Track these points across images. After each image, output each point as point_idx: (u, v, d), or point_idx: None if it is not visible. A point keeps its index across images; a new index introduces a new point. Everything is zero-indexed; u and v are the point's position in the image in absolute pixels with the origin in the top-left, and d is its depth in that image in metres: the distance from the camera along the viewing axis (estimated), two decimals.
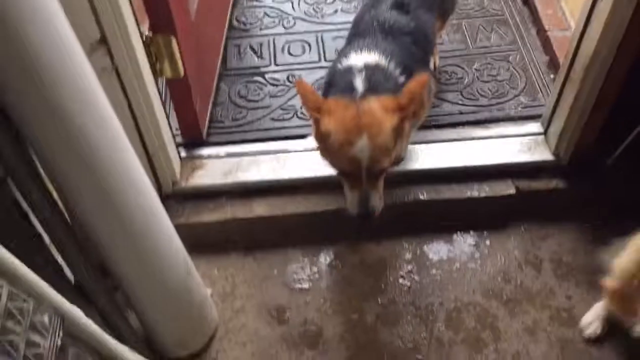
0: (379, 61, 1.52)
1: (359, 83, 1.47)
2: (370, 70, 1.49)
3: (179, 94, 1.79)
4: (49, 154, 1.08)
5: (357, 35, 1.66)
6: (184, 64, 1.69)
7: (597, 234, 1.79)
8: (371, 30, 1.62)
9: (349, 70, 1.52)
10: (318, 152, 1.53)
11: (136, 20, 1.46)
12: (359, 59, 1.53)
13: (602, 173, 1.77)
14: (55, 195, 1.14)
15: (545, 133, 1.88)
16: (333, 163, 1.49)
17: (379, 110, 1.40)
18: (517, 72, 2.15)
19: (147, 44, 1.58)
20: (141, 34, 1.51)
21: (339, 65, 1.57)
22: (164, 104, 1.70)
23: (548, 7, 2.30)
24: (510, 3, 2.42)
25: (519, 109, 2.04)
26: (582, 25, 1.58)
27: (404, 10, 1.67)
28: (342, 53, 1.62)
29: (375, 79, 1.48)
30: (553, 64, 2.13)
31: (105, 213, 1.22)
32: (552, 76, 2.11)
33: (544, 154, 1.84)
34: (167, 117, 1.72)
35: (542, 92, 2.08)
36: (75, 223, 1.20)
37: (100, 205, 1.20)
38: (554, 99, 1.78)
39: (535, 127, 1.92)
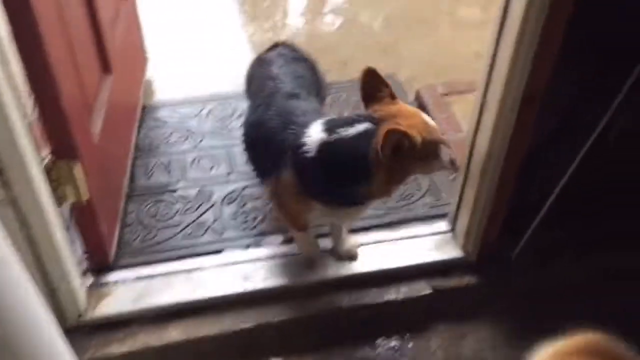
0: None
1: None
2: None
3: (84, 219, 1.72)
4: None
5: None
6: (87, 188, 1.64)
7: (513, 327, 1.83)
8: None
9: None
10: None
11: (35, 146, 1.43)
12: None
13: (508, 267, 1.84)
14: None
15: (453, 230, 1.96)
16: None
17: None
18: (418, 176, 2.25)
19: (48, 169, 1.53)
20: (41, 161, 1.47)
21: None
22: (68, 230, 1.63)
23: (442, 112, 2.46)
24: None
25: (426, 208, 2.12)
26: (472, 130, 1.70)
27: (300, 97, 1.74)
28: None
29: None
30: (452, 164, 2.25)
31: None
32: (453, 176, 2.22)
33: (453, 252, 1.90)
34: (71, 245, 1.64)
35: (444, 191, 2.18)
36: None
37: None
38: (457, 199, 1.87)
39: (443, 225, 1.99)
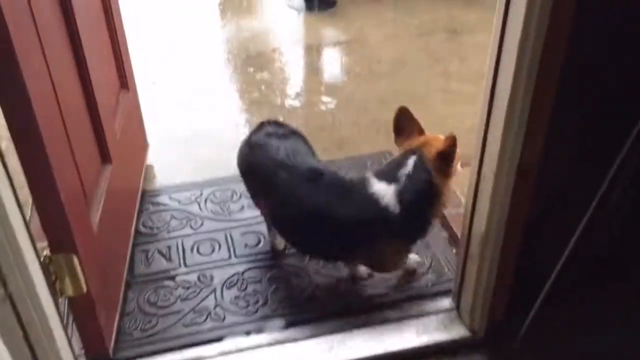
0: None
1: None
2: None
3: (82, 311, 1.70)
4: None
5: None
6: (86, 280, 1.63)
7: None
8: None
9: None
10: None
11: (32, 241, 1.42)
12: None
13: (517, 344, 1.79)
14: None
15: (458, 308, 1.92)
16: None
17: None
18: (422, 250, 2.23)
19: (46, 264, 1.52)
20: (38, 255, 1.46)
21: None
22: (66, 323, 1.60)
23: None
24: None
25: (429, 285, 2.09)
26: (470, 205, 1.70)
27: (322, 172, 1.90)
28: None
29: None
30: (453, 240, 2.24)
31: None
32: (454, 251, 2.21)
33: (460, 330, 1.86)
34: (69, 339, 1.61)
35: (447, 267, 2.16)
36: None
37: None
38: (459, 275, 1.85)
39: (447, 303, 1.96)
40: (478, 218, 1.68)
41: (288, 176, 1.86)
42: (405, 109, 1.85)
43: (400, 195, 1.76)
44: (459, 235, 2.15)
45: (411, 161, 1.78)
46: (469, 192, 1.70)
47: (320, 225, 1.83)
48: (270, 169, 1.89)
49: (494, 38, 1.45)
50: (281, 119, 3.02)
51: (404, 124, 1.86)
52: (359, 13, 4.13)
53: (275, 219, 2.03)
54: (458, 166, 1.85)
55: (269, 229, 2.24)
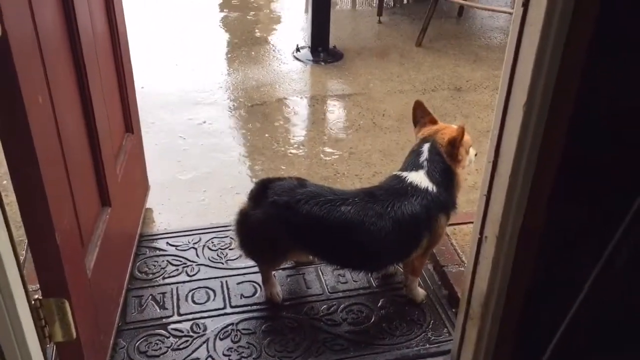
0: None
1: None
2: None
3: (70, 358, 1.65)
4: None
5: None
6: (76, 326, 1.59)
7: None
8: None
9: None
10: None
11: (24, 284, 1.39)
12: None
13: None
14: None
15: None
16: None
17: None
18: (421, 308, 2.19)
19: (37, 307, 1.48)
20: (29, 299, 1.43)
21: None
22: None
23: (440, 244, 2.44)
24: None
25: (427, 345, 2.04)
26: (472, 266, 1.68)
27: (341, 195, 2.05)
28: None
29: None
30: (453, 298, 2.20)
31: None
32: (454, 310, 2.16)
33: None
34: None
35: (447, 326, 2.11)
36: None
37: None
38: (459, 336, 1.80)
39: None
40: (479, 279, 1.65)
41: (349, 207, 1.97)
42: (420, 103, 2.19)
43: (431, 177, 2.03)
44: (459, 294, 2.12)
45: (425, 148, 2.08)
46: (470, 252, 1.68)
47: (392, 235, 1.97)
48: (324, 211, 1.95)
49: (500, 98, 1.45)
50: (283, 168, 3.03)
51: (419, 115, 2.18)
52: (365, 67, 4.19)
53: (336, 251, 2.08)
54: (472, 153, 2.14)
55: (265, 281, 2.21)
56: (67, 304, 1.53)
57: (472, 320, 1.71)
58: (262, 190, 2.04)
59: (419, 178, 2.03)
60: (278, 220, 1.99)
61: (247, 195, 2.10)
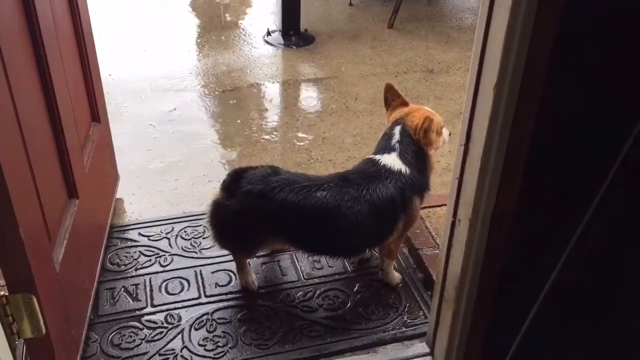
0: None
1: None
2: None
3: (40, 355, 1.61)
4: None
5: None
6: (46, 321, 1.55)
7: None
8: None
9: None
10: None
11: None
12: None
13: None
14: None
15: (431, 353, 1.87)
16: None
17: None
18: (397, 291, 2.20)
19: (3, 304, 1.44)
20: None
21: None
22: None
23: (415, 227, 2.43)
24: None
25: (403, 328, 2.04)
26: (445, 248, 1.67)
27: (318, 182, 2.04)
28: None
29: None
30: (428, 281, 2.20)
31: None
32: (429, 293, 2.17)
33: None
34: None
35: (422, 309, 2.12)
36: None
37: None
38: (434, 319, 1.81)
39: (421, 347, 1.91)
40: (453, 262, 1.65)
41: (325, 192, 1.96)
42: (390, 85, 2.21)
43: (403, 159, 2.04)
44: (434, 277, 2.13)
45: (397, 131, 2.09)
46: (444, 236, 1.68)
47: (368, 219, 1.97)
48: (300, 197, 1.94)
49: (470, 80, 1.44)
50: (256, 155, 3.00)
51: (390, 98, 2.20)
52: (337, 50, 4.16)
53: (313, 238, 2.06)
54: (445, 134, 2.15)
55: (240, 269, 2.19)
56: (34, 300, 1.49)
57: (447, 303, 1.71)
58: (236, 180, 2.01)
59: (392, 160, 2.04)
60: (253, 209, 1.97)
61: (220, 186, 2.07)
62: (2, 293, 1.45)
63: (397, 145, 2.06)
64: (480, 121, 1.42)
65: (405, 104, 2.19)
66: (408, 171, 2.03)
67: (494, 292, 1.65)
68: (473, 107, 1.43)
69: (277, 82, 3.78)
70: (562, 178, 1.50)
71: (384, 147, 2.09)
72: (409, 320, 2.07)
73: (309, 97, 3.67)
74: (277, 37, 4.29)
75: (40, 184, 1.59)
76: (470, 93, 1.44)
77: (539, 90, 1.34)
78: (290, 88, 3.72)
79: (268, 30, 4.35)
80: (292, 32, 4.27)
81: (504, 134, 1.39)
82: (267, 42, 4.25)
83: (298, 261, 2.33)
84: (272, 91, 3.69)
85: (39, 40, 1.66)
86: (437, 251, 2.26)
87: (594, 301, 1.73)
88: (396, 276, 2.23)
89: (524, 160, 1.42)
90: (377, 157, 2.07)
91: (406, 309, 2.13)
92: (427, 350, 1.89)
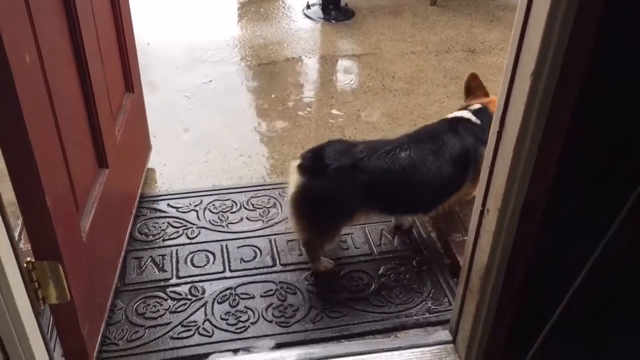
0: None
1: None
2: None
3: (64, 322, 1.64)
4: None
5: None
6: (71, 289, 1.57)
7: None
8: None
9: None
10: None
11: (13, 246, 1.37)
12: None
13: None
14: None
15: (454, 341, 1.84)
16: None
17: None
18: (422, 276, 2.16)
19: (29, 270, 1.47)
20: (19, 261, 1.41)
21: None
22: (49, 332, 1.55)
23: (443, 213, 2.39)
24: None
25: (426, 314, 2.02)
26: (473, 237, 1.63)
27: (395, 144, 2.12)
28: None
29: None
30: (455, 268, 2.16)
31: None
32: (455, 280, 2.13)
33: None
34: (50, 351, 1.55)
35: (447, 296, 2.08)
36: None
37: None
38: (458, 307, 1.77)
39: (444, 334, 1.88)
40: (480, 252, 1.61)
41: (407, 151, 2.01)
42: (475, 75, 2.32)
43: (476, 115, 2.18)
44: (461, 263, 2.09)
45: (476, 105, 2.23)
46: (472, 225, 1.63)
47: (448, 168, 2.06)
48: (388, 161, 1.99)
49: (507, 65, 1.38)
50: (289, 131, 2.97)
51: (473, 87, 2.31)
52: (376, 26, 4.08)
53: (401, 198, 2.10)
54: None
55: (317, 257, 2.15)
56: (60, 267, 1.52)
57: (472, 293, 1.67)
58: (316, 160, 1.98)
59: (465, 114, 2.20)
60: (348, 183, 1.96)
61: (298, 170, 2.00)
62: (29, 259, 1.48)
63: (473, 108, 2.21)
64: (515, 109, 1.36)
65: (487, 95, 2.29)
66: (479, 122, 2.13)
67: (520, 284, 1.61)
68: (508, 94, 1.37)
69: (314, 57, 3.74)
70: (598, 171, 1.44)
71: (459, 109, 2.25)
72: (432, 307, 2.04)
73: (346, 74, 3.62)
74: (316, 10, 4.23)
75: (69, 153, 1.61)
76: (506, 79, 1.38)
77: (579, 78, 1.27)
78: (327, 63, 3.67)
79: (308, 3, 4.29)
80: (332, 6, 4.20)
81: (540, 124, 1.33)
82: (307, 16, 4.20)
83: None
84: (308, 66, 3.65)
85: (71, 5, 1.65)
86: (466, 238, 2.21)
87: (626, 300, 1.67)
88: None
89: (558, 150, 1.36)
90: (454, 112, 2.23)
91: (430, 294, 2.09)
92: (450, 338, 1.86)
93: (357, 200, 2.02)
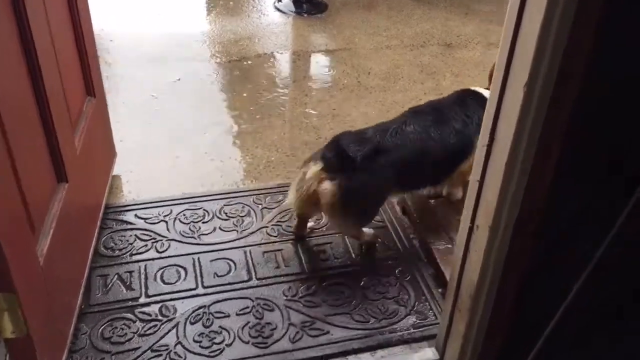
0: None
1: None
2: None
3: (20, 355, 1.50)
4: None
5: None
6: (27, 319, 1.43)
7: None
8: None
9: None
10: None
11: None
12: None
13: None
14: None
15: (441, 359, 1.76)
16: None
17: None
18: (405, 288, 2.07)
19: None
20: None
21: None
22: None
23: (425, 218, 2.31)
24: (389, 211, 2.42)
25: (411, 329, 1.92)
26: (461, 253, 1.54)
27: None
28: None
29: None
30: (439, 278, 2.08)
31: None
32: (440, 290, 2.04)
33: None
34: None
35: (432, 309, 1.99)
36: None
37: None
38: (445, 326, 1.68)
39: (430, 353, 1.80)
40: (469, 269, 1.52)
41: (411, 125, 2.08)
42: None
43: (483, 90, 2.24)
44: (445, 273, 2.00)
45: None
46: (459, 240, 1.54)
47: (452, 137, 2.13)
48: (400, 138, 2.04)
49: (497, 76, 1.27)
50: (261, 132, 2.85)
51: None
52: (350, 20, 3.96)
53: (417, 172, 2.12)
54: None
55: (361, 233, 2.19)
56: (15, 298, 1.38)
57: (460, 312, 1.58)
58: (341, 157, 1.95)
59: (477, 88, 2.28)
60: (380, 165, 1.97)
61: (326, 174, 1.95)
62: None
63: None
64: (506, 121, 1.26)
65: None
66: (485, 94, 2.13)
67: (512, 302, 1.52)
68: (498, 107, 1.27)
69: (287, 52, 3.60)
70: (594, 186, 1.35)
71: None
72: (417, 321, 1.95)
73: (320, 71, 3.50)
74: (288, 3, 4.09)
75: (21, 170, 1.46)
76: (495, 89, 1.28)
77: (574, 89, 1.18)
78: (300, 60, 3.54)
79: None
80: None
81: (534, 136, 1.23)
82: (278, 9, 4.05)
83: (302, 252, 2.20)
84: (280, 62, 3.51)
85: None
86: (450, 245, 2.13)
87: (618, 317, 1.60)
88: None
89: (556, 154, 1.26)
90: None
91: (415, 307, 2.00)
92: (437, 357, 1.77)
93: (390, 180, 2.04)
